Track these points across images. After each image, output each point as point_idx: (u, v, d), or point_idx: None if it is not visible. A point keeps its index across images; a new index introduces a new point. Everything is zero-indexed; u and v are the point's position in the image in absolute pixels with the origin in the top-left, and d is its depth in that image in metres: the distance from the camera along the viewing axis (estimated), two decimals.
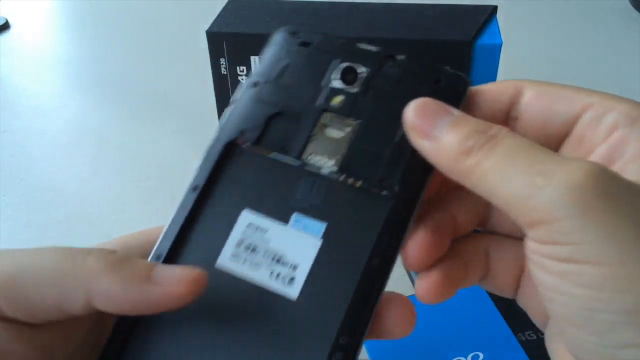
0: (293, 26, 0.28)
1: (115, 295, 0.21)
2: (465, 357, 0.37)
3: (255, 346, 0.23)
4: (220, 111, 0.52)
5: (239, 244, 0.25)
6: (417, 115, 0.23)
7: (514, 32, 0.74)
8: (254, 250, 0.25)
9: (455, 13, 0.50)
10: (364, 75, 0.26)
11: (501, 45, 0.46)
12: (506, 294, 0.26)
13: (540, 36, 0.76)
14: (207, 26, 0.49)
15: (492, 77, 0.47)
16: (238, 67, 0.49)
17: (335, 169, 0.25)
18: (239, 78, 0.50)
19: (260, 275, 0.24)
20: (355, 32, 0.47)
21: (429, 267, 0.24)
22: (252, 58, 0.49)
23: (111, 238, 0.27)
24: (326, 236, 0.24)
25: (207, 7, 0.57)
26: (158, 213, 0.50)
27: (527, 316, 0.39)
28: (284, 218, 0.25)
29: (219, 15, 0.51)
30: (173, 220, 0.25)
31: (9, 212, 0.51)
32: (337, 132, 0.26)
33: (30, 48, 0.77)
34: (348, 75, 0.26)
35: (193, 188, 0.26)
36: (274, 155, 0.26)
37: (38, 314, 0.22)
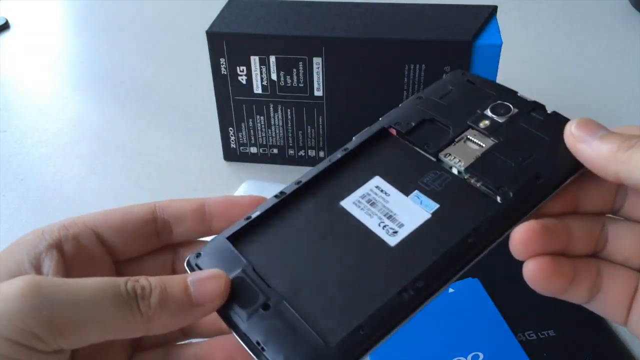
0: (464, 70, 0.34)
1: (167, 328, 0.25)
2: (465, 357, 0.37)
3: (343, 269, 0.27)
4: (220, 111, 0.52)
5: (363, 197, 0.30)
6: (579, 128, 0.27)
7: (514, 32, 0.74)
8: (373, 204, 0.29)
9: (455, 13, 0.50)
10: (513, 113, 0.31)
11: (501, 45, 0.46)
12: (615, 318, 0.27)
13: (540, 36, 0.76)
14: (207, 26, 0.49)
15: (492, 77, 0.47)
16: (238, 67, 0.49)
17: (462, 168, 0.29)
18: (239, 78, 0.50)
19: (370, 221, 0.29)
20: (355, 32, 0.47)
21: (529, 256, 0.26)
22: (252, 58, 0.49)
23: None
24: (435, 213, 0.28)
25: (207, 7, 0.57)
26: None
27: (527, 316, 0.39)
28: (406, 191, 0.30)
29: (219, 15, 0.51)
30: (317, 165, 0.31)
31: (9, 212, 0.51)
32: (475, 145, 0.30)
33: (30, 48, 0.77)
34: (500, 109, 0.31)
35: (344, 149, 0.31)
36: (416, 147, 0.31)
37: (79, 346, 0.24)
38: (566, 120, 0.29)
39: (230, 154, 0.55)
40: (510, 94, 0.32)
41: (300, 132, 0.52)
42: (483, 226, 0.27)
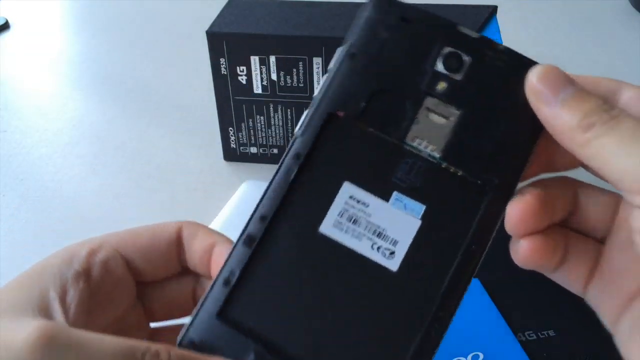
0: None
1: None
2: (465, 357, 0.37)
3: (354, 309, 0.25)
4: (220, 111, 0.52)
5: (340, 214, 0.26)
6: (541, 81, 0.24)
7: (514, 32, 0.74)
8: (355, 221, 0.26)
9: (455, 13, 0.50)
10: (467, 62, 0.27)
11: None
12: (575, 287, 0.27)
13: (540, 36, 0.76)
14: (207, 26, 0.49)
15: None
16: (238, 67, 0.49)
17: (437, 155, 0.26)
18: (239, 78, 0.50)
19: (361, 245, 0.25)
20: None
21: (527, 234, 0.25)
22: (252, 58, 0.49)
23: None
24: (425, 217, 0.26)
25: (207, 7, 0.57)
26: (158, 213, 0.50)
27: (527, 316, 0.39)
28: (384, 195, 0.26)
29: (219, 15, 0.51)
30: (275, 185, 0.26)
31: (9, 212, 0.51)
32: (440, 119, 0.27)
33: (30, 48, 0.77)
34: (452, 62, 0.27)
35: (295, 156, 0.26)
36: (377, 132, 0.26)
37: None
38: (523, 62, 0.26)
39: (230, 154, 0.55)
40: (452, 31, 0.27)
41: None
42: (480, 227, 0.25)
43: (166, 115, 0.63)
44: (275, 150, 0.53)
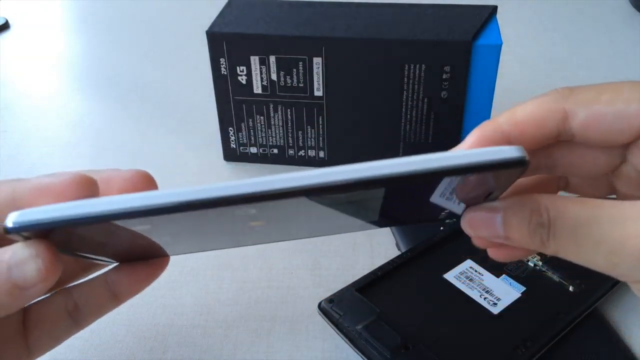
0: None
1: None
2: None
3: (464, 324, 0.35)
4: (220, 111, 0.52)
5: (461, 273, 0.38)
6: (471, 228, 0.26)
7: (514, 32, 0.74)
8: (471, 280, 0.38)
9: (455, 13, 0.50)
10: None
11: (501, 45, 0.46)
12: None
13: (540, 36, 0.76)
14: (207, 26, 0.49)
15: (491, 78, 0.47)
16: (238, 67, 0.49)
17: (540, 263, 0.39)
18: (239, 78, 0.50)
19: (472, 293, 0.37)
20: (355, 32, 0.47)
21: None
22: (252, 58, 0.49)
23: None
24: (524, 294, 0.37)
25: (207, 7, 0.57)
26: None
27: None
28: (496, 274, 0.38)
29: (219, 15, 0.51)
30: (420, 245, 0.41)
31: None
32: None
33: (30, 48, 0.77)
34: None
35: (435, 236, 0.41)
36: None
37: None
38: None
39: (230, 154, 0.55)
40: None
41: (300, 132, 0.52)
42: (568, 309, 0.36)
43: (166, 115, 0.63)
44: (275, 151, 0.54)
